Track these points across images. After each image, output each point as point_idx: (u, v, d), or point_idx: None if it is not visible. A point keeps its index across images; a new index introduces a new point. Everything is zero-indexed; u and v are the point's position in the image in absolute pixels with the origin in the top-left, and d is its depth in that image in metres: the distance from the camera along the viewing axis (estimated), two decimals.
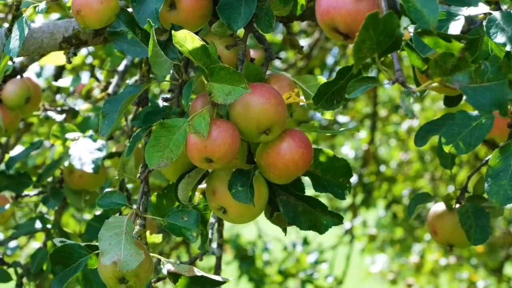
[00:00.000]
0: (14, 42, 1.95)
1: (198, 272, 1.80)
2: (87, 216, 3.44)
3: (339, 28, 1.65)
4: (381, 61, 1.51)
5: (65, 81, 3.15)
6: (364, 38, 1.45)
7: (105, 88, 3.30)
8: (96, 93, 3.42)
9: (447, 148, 1.63)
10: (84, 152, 2.59)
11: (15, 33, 1.96)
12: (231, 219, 1.86)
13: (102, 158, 2.60)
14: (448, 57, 1.48)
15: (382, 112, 6.95)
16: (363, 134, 6.90)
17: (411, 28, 1.58)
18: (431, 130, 1.93)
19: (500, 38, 1.62)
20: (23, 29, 1.94)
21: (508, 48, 1.60)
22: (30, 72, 2.71)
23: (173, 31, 1.69)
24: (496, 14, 1.66)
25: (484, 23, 1.66)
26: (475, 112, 1.64)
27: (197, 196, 1.95)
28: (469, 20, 1.77)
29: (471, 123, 1.63)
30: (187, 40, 1.70)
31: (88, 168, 2.56)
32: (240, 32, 1.94)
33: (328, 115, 1.96)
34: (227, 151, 1.70)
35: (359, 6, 1.61)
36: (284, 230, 1.90)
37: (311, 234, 6.93)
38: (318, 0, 1.68)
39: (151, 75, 2.13)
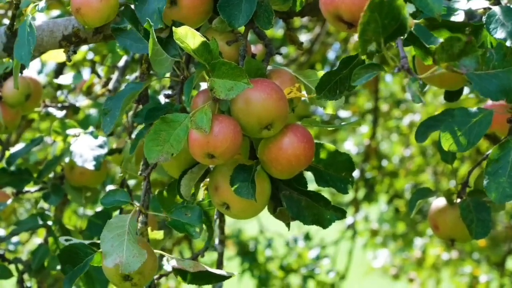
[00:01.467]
0: (24, 48, 1.94)
1: (203, 267, 1.80)
2: (89, 211, 3.45)
3: (343, 17, 1.64)
4: (386, 48, 1.51)
5: (67, 78, 3.14)
6: (368, 20, 1.45)
7: (106, 84, 3.30)
8: (97, 89, 3.42)
9: (446, 147, 1.63)
10: (85, 149, 2.59)
11: (23, 38, 1.95)
12: (234, 214, 1.86)
13: (104, 155, 2.59)
14: (455, 42, 1.47)
15: (384, 107, 6.94)
16: (365, 129, 6.90)
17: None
18: (432, 126, 1.94)
19: (500, 34, 1.62)
20: (29, 34, 1.94)
21: (508, 43, 1.60)
22: (31, 69, 2.70)
23: (173, 28, 1.69)
24: (496, 9, 1.66)
25: (484, 18, 1.66)
26: (474, 109, 1.64)
27: (202, 191, 1.95)
28: (469, 14, 1.77)
29: (470, 120, 1.63)
30: (188, 36, 1.70)
31: (90, 165, 2.55)
32: (241, 27, 1.94)
33: (329, 109, 1.95)
34: (229, 147, 1.70)
35: None
36: (288, 225, 1.91)
37: (313, 230, 6.94)
38: None
39: (151, 72, 2.13)
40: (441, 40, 1.57)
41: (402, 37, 1.51)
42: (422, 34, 1.59)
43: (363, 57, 1.54)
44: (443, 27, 1.58)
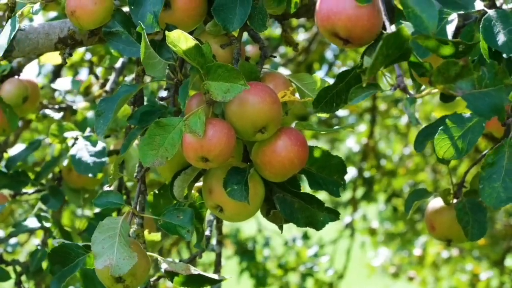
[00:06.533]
0: (2, 40, 1.96)
1: (194, 270, 1.81)
2: (88, 212, 3.45)
3: (339, 34, 1.66)
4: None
5: (64, 84, 3.14)
6: (378, 56, 1.47)
7: (103, 85, 3.30)
8: (95, 89, 3.42)
9: (441, 154, 1.64)
10: (85, 156, 2.59)
11: (5, 31, 1.96)
12: (227, 217, 1.87)
13: (104, 162, 2.59)
14: (451, 65, 1.49)
15: (382, 106, 6.94)
16: (363, 127, 6.90)
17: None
18: (430, 134, 1.93)
19: (496, 43, 1.62)
20: (13, 27, 1.95)
21: (504, 55, 1.60)
22: (28, 71, 2.70)
23: (166, 32, 1.70)
24: (492, 13, 1.66)
25: (480, 24, 1.66)
26: (468, 114, 1.64)
27: (194, 194, 1.96)
28: (464, 15, 1.77)
29: (463, 126, 1.63)
30: (180, 40, 1.70)
31: (91, 174, 2.56)
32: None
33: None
34: (222, 150, 1.71)
35: (360, 11, 1.62)
36: (281, 228, 1.91)
37: (311, 229, 6.91)
38: (317, 5, 1.69)
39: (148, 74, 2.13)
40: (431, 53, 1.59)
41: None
42: (416, 49, 1.60)
43: (358, 70, 1.57)
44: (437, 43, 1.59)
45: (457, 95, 1.51)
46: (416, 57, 1.59)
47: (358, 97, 1.56)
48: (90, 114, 2.94)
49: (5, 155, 2.86)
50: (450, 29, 1.65)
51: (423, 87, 2.22)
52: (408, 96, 1.51)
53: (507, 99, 1.55)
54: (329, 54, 5.88)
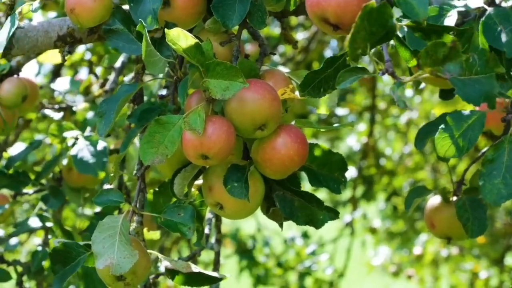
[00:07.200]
0: (1, 37, 1.96)
1: (195, 268, 1.81)
2: (88, 211, 3.45)
3: (329, 19, 1.66)
4: (372, 52, 1.52)
5: (63, 84, 3.14)
6: (359, 29, 1.47)
7: (103, 84, 3.30)
8: (95, 89, 3.42)
9: (442, 153, 1.64)
10: (87, 156, 2.59)
11: (4, 28, 1.97)
12: (227, 215, 1.87)
13: (106, 162, 2.59)
14: (440, 47, 1.49)
15: (381, 104, 6.93)
16: (362, 127, 6.89)
17: (404, 21, 1.59)
18: (430, 131, 1.94)
19: (498, 42, 1.62)
20: (12, 24, 1.95)
21: (508, 54, 1.60)
22: (27, 70, 2.70)
23: (166, 30, 1.70)
24: (492, 11, 1.66)
25: (480, 19, 1.66)
26: (467, 112, 1.64)
27: (193, 192, 1.96)
28: (464, 13, 1.77)
29: (463, 125, 1.63)
30: (180, 38, 1.70)
31: (93, 173, 2.56)
32: (234, 28, 1.95)
33: (322, 109, 1.96)
34: (222, 147, 1.71)
35: None
36: (281, 225, 1.91)
37: (311, 228, 6.90)
38: None
39: (147, 72, 2.13)
40: (426, 43, 1.59)
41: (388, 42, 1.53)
42: (409, 38, 1.60)
43: (348, 57, 1.56)
44: (429, 30, 1.59)
45: (445, 77, 1.51)
46: (408, 49, 1.59)
47: (346, 81, 1.56)
48: (90, 114, 2.95)
49: (5, 155, 2.86)
50: (449, 23, 1.65)
51: (422, 85, 2.23)
52: (396, 80, 1.51)
53: (498, 87, 1.55)
54: (328, 53, 5.88)
